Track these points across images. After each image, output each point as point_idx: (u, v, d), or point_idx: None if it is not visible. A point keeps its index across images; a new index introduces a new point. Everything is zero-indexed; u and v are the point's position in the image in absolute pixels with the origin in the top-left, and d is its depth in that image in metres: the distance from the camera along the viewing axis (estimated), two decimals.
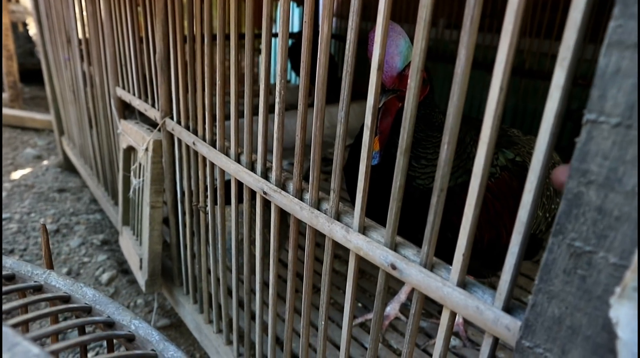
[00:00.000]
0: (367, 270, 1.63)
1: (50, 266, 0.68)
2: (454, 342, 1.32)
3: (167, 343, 0.55)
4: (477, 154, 0.51)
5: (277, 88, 0.79)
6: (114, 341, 0.57)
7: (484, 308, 0.53)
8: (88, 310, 0.57)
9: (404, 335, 1.32)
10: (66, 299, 0.58)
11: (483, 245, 1.07)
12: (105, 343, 0.60)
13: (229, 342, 1.26)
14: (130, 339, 0.56)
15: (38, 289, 0.58)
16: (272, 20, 0.82)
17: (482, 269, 1.20)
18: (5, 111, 3.84)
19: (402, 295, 1.41)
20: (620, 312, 0.39)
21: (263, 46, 0.82)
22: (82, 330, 0.58)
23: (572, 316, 0.44)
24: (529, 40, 2.43)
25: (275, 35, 2.96)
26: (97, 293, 0.59)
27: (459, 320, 1.34)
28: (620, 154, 0.38)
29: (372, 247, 0.65)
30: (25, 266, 0.61)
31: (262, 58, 0.83)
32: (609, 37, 0.37)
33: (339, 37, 3.54)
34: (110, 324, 0.57)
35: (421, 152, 0.99)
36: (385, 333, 1.34)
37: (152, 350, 0.55)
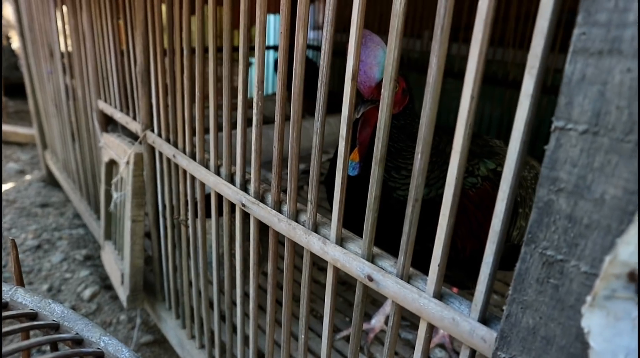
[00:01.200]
0: (352, 282, 1.62)
1: (20, 282, 0.66)
2: (440, 353, 1.31)
3: None
4: (450, 164, 0.50)
5: (255, 99, 0.79)
6: None
7: (460, 320, 0.52)
8: (56, 327, 0.56)
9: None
10: (33, 316, 0.56)
11: (466, 256, 1.06)
12: None
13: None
14: (99, 356, 0.54)
15: (4, 306, 0.57)
16: (250, 32, 0.81)
17: (465, 280, 1.19)
18: None
19: (387, 307, 1.40)
20: (592, 321, 0.39)
21: (240, 59, 0.82)
22: (54, 348, 0.57)
23: (546, 326, 0.44)
24: (512, 51, 2.46)
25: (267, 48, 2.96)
26: (65, 309, 0.58)
27: (444, 332, 1.33)
28: (589, 161, 0.38)
29: (349, 259, 0.65)
30: None
31: (240, 70, 0.83)
32: (573, 44, 0.37)
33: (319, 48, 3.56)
34: (78, 341, 0.55)
35: (402, 163, 0.99)
36: (371, 346, 1.32)
37: None
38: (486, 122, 2.67)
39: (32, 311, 0.56)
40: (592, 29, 0.36)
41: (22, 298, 0.58)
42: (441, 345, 1.33)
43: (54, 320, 0.56)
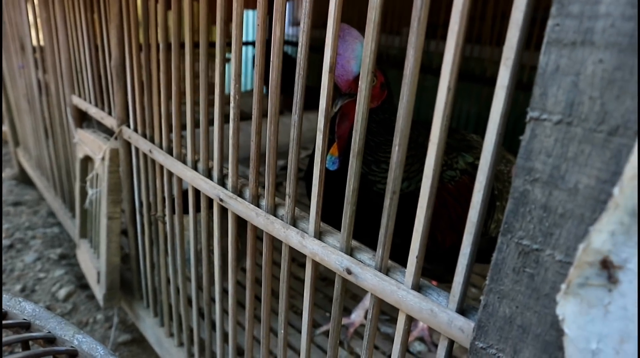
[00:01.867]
0: (332, 277, 1.62)
1: None
2: (419, 347, 1.32)
3: (112, 357, 0.52)
4: (428, 155, 0.51)
5: (232, 93, 0.78)
6: None
7: (438, 311, 0.52)
8: (27, 326, 0.54)
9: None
10: (2, 316, 0.54)
11: (445, 249, 1.07)
12: None
13: (191, 355, 1.23)
14: (72, 355, 0.53)
15: None
16: (227, 27, 0.80)
17: (445, 274, 1.21)
18: None
19: (366, 301, 1.41)
20: (566, 309, 0.39)
21: (217, 53, 0.80)
22: (25, 347, 0.55)
23: (522, 315, 0.44)
24: (489, 48, 2.49)
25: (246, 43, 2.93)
26: (37, 307, 0.56)
27: (424, 325, 1.35)
28: (562, 151, 0.38)
29: (328, 252, 0.64)
30: None
31: (217, 64, 0.82)
32: (547, 35, 0.37)
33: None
34: (51, 340, 0.53)
35: (381, 156, 0.99)
36: (351, 340, 1.33)
37: None
38: (464, 118, 2.71)
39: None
40: (566, 21, 0.36)
41: None
42: (420, 339, 1.34)
43: (24, 319, 0.54)
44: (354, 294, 1.54)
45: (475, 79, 2.56)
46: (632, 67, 0.33)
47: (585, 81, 0.36)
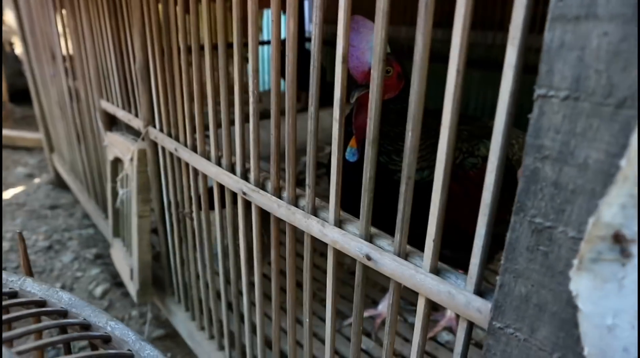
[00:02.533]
0: None
1: (29, 273, 0.68)
2: (447, 336, 1.32)
3: (143, 342, 0.55)
4: (440, 139, 0.51)
5: (250, 89, 0.80)
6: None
7: (456, 293, 0.53)
8: (64, 314, 0.57)
9: (398, 334, 1.32)
10: (42, 303, 0.58)
11: (468, 236, 1.07)
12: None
13: (221, 348, 1.26)
14: (106, 340, 0.56)
15: (13, 295, 0.58)
16: (245, 27, 0.82)
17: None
18: None
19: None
20: (580, 284, 0.40)
21: (235, 52, 0.82)
22: (62, 332, 0.58)
23: (538, 293, 0.45)
24: (502, 35, 2.45)
25: (264, 43, 2.97)
26: (72, 297, 0.59)
27: (451, 314, 1.34)
28: (571, 127, 0.39)
29: (348, 239, 0.66)
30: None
31: (235, 62, 0.84)
32: (551, 12, 0.38)
33: (326, 41, 3.56)
34: (86, 326, 0.56)
35: (402, 146, 0.99)
36: (379, 331, 1.34)
37: (129, 350, 0.55)
38: (489, 107, 2.67)
39: (40, 299, 0.58)
40: None
41: (30, 287, 0.59)
42: (449, 328, 1.34)
43: (62, 307, 0.58)
44: (382, 287, 1.54)
45: (499, 67, 2.51)
46: (637, 37, 0.33)
47: (591, 55, 0.36)
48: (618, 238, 0.37)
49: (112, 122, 1.76)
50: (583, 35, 0.36)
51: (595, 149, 0.37)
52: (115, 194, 1.64)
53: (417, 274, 0.57)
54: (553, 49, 0.38)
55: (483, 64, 2.58)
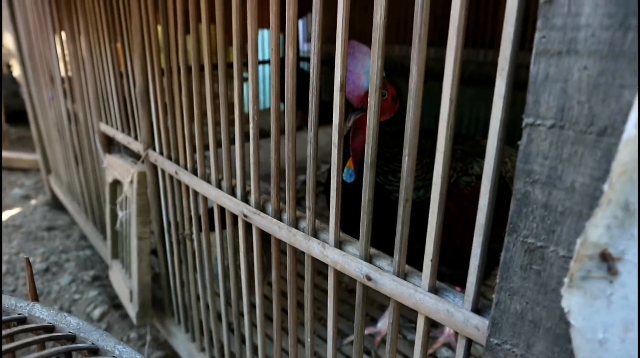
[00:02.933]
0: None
1: (35, 298, 0.70)
2: (447, 353, 1.33)
3: None
4: (435, 164, 0.54)
5: (251, 114, 0.82)
6: None
7: (454, 311, 0.55)
8: (72, 338, 0.59)
9: (398, 352, 1.33)
10: (50, 329, 0.59)
11: (465, 254, 1.09)
12: None
13: None
14: None
15: (22, 321, 0.60)
16: (243, 48, 0.85)
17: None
18: None
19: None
20: (571, 301, 0.42)
21: (235, 75, 0.85)
22: (69, 357, 0.59)
23: (532, 310, 0.47)
24: (493, 52, 2.51)
25: (263, 62, 3.02)
26: (81, 321, 0.61)
27: (450, 331, 1.36)
28: (558, 153, 0.41)
29: (348, 260, 0.68)
30: (9, 300, 0.62)
31: (235, 86, 0.86)
32: (535, 47, 0.40)
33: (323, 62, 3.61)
34: (94, 350, 0.58)
35: (398, 166, 1.02)
36: (378, 349, 1.35)
37: None
38: (482, 123, 2.71)
39: (49, 324, 0.59)
40: (551, 33, 0.39)
41: (39, 312, 0.61)
42: (447, 345, 1.35)
43: (70, 332, 0.59)
44: (381, 304, 1.55)
45: (491, 84, 2.57)
46: (613, 72, 0.36)
47: (573, 87, 0.39)
48: (605, 257, 0.39)
49: (110, 144, 1.78)
50: (565, 69, 0.39)
51: (581, 174, 0.40)
52: (114, 216, 1.66)
53: (416, 293, 0.59)
54: (539, 81, 0.41)
55: (475, 80, 2.63)
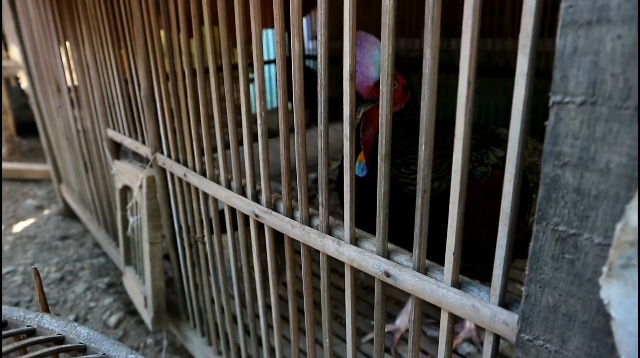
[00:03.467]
0: (374, 285, 1.61)
1: (46, 309, 0.68)
2: (468, 348, 1.29)
3: None
4: (455, 150, 0.51)
5: (257, 111, 0.80)
6: None
7: (480, 306, 0.52)
8: (83, 349, 0.57)
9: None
10: (60, 340, 0.57)
11: (483, 245, 1.06)
12: None
13: None
14: None
15: (31, 333, 0.58)
16: (248, 47, 0.83)
17: (487, 271, 1.18)
18: (3, 164, 3.87)
19: (410, 306, 1.39)
20: (611, 292, 0.39)
21: (240, 75, 0.83)
22: None
23: (566, 303, 0.44)
24: (511, 41, 2.46)
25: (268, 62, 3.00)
26: (91, 331, 0.59)
27: (471, 325, 1.32)
28: (590, 132, 0.38)
29: (365, 257, 0.65)
30: (18, 312, 0.60)
31: (241, 85, 0.84)
32: (562, 18, 0.37)
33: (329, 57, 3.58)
34: None
35: (410, 158, 0.99)
36: (398, 347, 1.32)
37: None
38: (492, 113, 2.66)
39: (59, 335, 0.57)
40: (579, 1, 0.36)
41: (48, 323, 0.59)
42: (469, 340, 1.32)
43: (80, 343, 0.57)
44: (397, 300, 1.52)
45: (500, 73, 2.52)
46: None
47: (606, 59, 0.36)
48: None
49: (118, 150, 1.77)
50: (596, 40, 0.36)
51: (617, 153, 0.37)
52: (125, 222, 1.64)
53: (438, 289, 0.56)
54: (566, 55, 0.38)
55: (484, 70, 2.58)
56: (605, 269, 0.38)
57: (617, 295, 0.38)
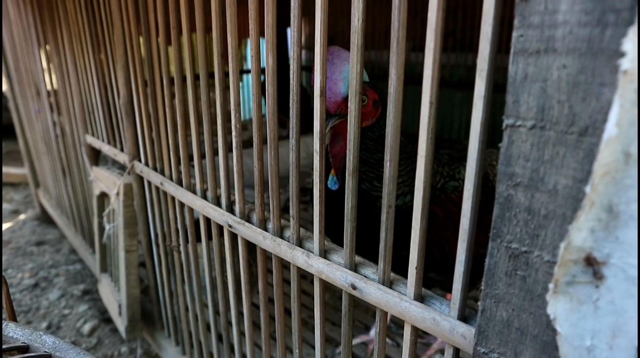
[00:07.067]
0: None
1: (13, 317, 0.67)
2: None
3: None
4: (417, 168, 0.52)
5: (233, 122, 0.81)
6: None
7: (440, 319, 0.53)
8: None
9: None
10: (24, 349, 0.57)
11: (453, 259, 1.08)
12: None
13: None
14: None
15: None
16: (224, 59, 0.84)
17: None
18: None
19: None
20: (557, 307, 0.40)
21: (216, 84, 0.84)
22: None
23: (519, 317, 0.45)
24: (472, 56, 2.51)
25: (247, 71, 3.01)
26: (57, 340, 0.59)
27: None
28: (539, 154, 0.40)
29: (333, 269, 0.66)
30: None
31: (217, 95, 0.85)
32: (513, 46, 0.39)
33: (308, 68, 3.61)
34: None
35: (383, 172, 1.00)
36: (371, 357, 1.32)
37: None
38: (464, 127, 2.71)
39: (23, 344, 0.57)
40: (528, 31, 0.38)
41: (12, 332, 0.59)
42: (442, 351, 1.33)
43: (45, 352, 0.57)
44: (374, 312, 1.53)
45: (464, 87, 2.57)
46: (593, 69, 0.35)
47: (553, 86, 0.38)
48: (590, 261, 0.38)
49: (97, 157, 1.76)
50: (544, 68, 0.38)
51: (563, 175, 0.39)
52: (102, 229, 1.63)
53: (401, 302, 0.57)
54: (518, 81, 0.40)
55: (464, 85, 2.63)
56: (551, 286, 0.40)
57: (563, 311, 0.40)
